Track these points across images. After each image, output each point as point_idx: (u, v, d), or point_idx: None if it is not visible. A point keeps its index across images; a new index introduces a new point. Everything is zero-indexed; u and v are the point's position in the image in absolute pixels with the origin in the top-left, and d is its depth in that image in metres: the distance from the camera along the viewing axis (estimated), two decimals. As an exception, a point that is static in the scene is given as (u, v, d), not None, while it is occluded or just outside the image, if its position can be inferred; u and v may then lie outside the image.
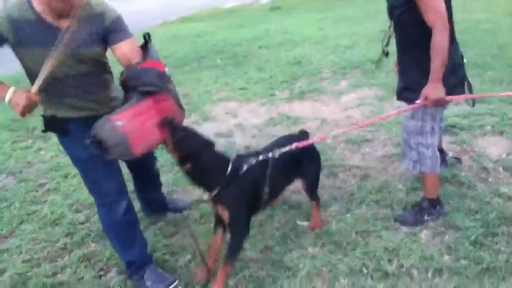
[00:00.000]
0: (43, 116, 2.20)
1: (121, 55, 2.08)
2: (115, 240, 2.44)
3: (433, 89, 2.22)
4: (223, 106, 5.18)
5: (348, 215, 2.83)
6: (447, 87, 2.26)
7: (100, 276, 2.60)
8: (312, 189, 2.70)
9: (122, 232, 2.41)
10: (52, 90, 2.06)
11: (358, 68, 5.94)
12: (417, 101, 2.32)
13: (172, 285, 2.36)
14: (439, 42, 2.19)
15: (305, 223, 2.80)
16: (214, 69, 6.91)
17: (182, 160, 2.15)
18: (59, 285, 2.53)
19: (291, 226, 2.78)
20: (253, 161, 2.27)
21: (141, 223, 2.98)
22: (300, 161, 2.57)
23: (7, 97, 1.92)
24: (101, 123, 1.91)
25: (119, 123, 1.90)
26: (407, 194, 2.95)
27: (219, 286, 2.27)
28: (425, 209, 2.67)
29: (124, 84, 2.10)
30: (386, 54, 2.72)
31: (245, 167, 2.24)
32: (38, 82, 1.93)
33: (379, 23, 8.68)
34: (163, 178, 3.55)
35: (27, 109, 1.91)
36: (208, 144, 2.22)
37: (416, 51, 2.41)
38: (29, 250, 2.88)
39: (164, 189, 3.17)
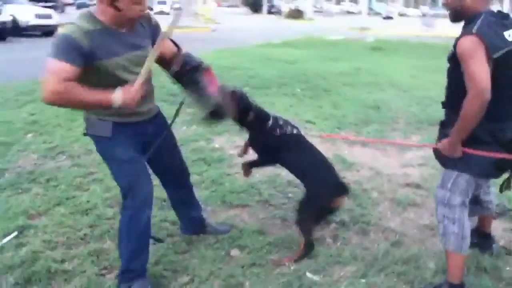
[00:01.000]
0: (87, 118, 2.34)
1: (167, 48, 2.41)
2: (127, 245, 2.44)
3: (449, 146, 2.20)
4: (284, 136, 5.11)
5: (362, 280, 2.61)
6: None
7: (102, 274, 2.65)
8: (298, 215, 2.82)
9: (137, 240, 2.43)
10: None
11: (436, 125, 5.54)
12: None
13: None
14: (466, 108, 2.08)
15: (316, 278, 2.63)
16: (291, 97, 6.90)
17: (240, 114, 2.77)
18: (62, 272, 2.61)
19: (298, 275, 2.63)
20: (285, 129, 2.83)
21: (159, 232, 3.03)
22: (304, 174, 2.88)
23: (118, 96, 2.09)
24: (207, 93, 2.49)
25: (214, 90, 2.52)
26: (435, 274, 2.64)
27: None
28: None
29: (179, 71, 2.48)
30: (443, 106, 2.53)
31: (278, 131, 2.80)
32: (142, 76, 2.15)
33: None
34: (196, 194, 3.59)
35: (137, 101, 2.15)
36: (251, 104, 2.83)
37: (454, 111, 2.20)
38: (52, 232, 3.02)
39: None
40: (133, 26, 2.24)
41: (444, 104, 2.42)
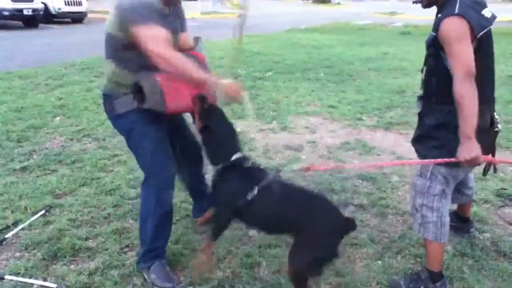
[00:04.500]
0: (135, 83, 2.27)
1: (181, 42, 2.41)
2: (150, 225, 2.43)
3: (465, 149, 1.96)
4: (306, 120, 5.12)
5: (379, 261, 2.62)
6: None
7: (124, 252, 2.74)
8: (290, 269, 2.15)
9: (160, 219, 2.44)
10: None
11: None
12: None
13: (177, 287, 2.40)
14: (459, 92, 1.94)
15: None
16: (314, 82, 6.86)
17: (200, 129, 2.32)
18: (86, 249, 2.71)
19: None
20: (255, 167, 2.27)
21: (179, 212, 3.11)
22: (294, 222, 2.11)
23: (218, 80, 2.13)
24: (144, 75, 2.17)
25: (158, 78, 2.17)
26: (452, 257, 2.63)
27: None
28: (423, 281, 2.35)
29: None
30: (419, 98, 2.41)
31: (244, 169, 2.23)
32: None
33: (511, 67, 7.90)
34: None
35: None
36: (227, 127, 2.33)
37: (433, 99, 2.17)
38: (78, 212, 3.13)
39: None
40: (175, 7, 2.33)
41: (422, 103, 2.29)
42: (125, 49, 2.18)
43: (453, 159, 2.03)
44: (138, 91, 2.20)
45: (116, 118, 2.37)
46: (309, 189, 2.51)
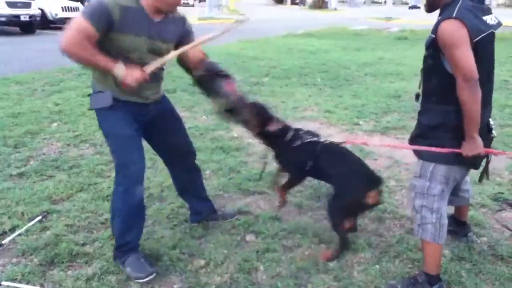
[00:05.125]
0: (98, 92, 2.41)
1: (192, 53, 2.53)
2: (120, 220, 2.52)
3: (468, 146, 2.08)
4: (303, 125, 5.08)
5: (376, 266, 2.62)
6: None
7: (120, 257, 2.73)
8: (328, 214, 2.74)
9: (129, 215, 2.50)
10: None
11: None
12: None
13: (150, 277, 2.45)
14: (462, 98, 2.02)
15: (332, 263, 2.65)
16: (311, 87, 6.89)
17: (256, 127, 2.81)
18: (83, 255, 2.70)
19: (312, 261, 2.65)
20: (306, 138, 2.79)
21: (177, 217, 3.11)
22: (334, 172, 2.75)
23: (120, 68, 2.23)
24: (226, 91, 2.58)
25: (234, 92, 2.60)
26: (450, 261, 2.64)
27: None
28: (420, 284, 2.35)
29: (204, 75, 2.61)
30: (417, 96, 2.43)
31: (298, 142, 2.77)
32: (155, 65, 2.32)
33: (507, 72, 7.95)
34: (215, 182, 3.65)
35: (137, 83, 2.27)
36: (272, 116, 2.85)
37: (431, 100, 2.19)
38: (75, 217, 3.12)
39: (212, 192, 3.24)
40: (166, 17, 2.38)
41: (421, 103, 2.32)
42: (98, 45, 2.26)
43: (458, 150, 2.12)
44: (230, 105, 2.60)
45: (97, 113, 2.48)
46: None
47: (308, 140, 2.79)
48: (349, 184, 2.65)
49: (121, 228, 2.53)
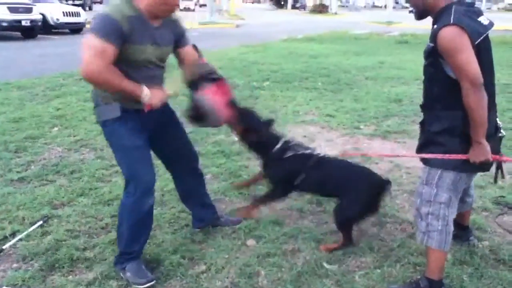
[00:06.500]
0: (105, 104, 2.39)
1: (187, 55, 2.56)
2: (128, 228, 2.49)
3: (475, 152, 2.07)
4: (304, 129, 5.13)
5: (378, 270, 2.61)
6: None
7: (121, 262, 2.72)
8: (337, 221, 2.75)
9: (137, 226, 2.50)
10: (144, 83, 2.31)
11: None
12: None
13: (150, 283, 2.44)
14: (468, 104, 2.01)
15: (332, 267, 2.64)
16: (312, 91, 6.89)
17: (242, 134, 2.73)
18: (84, 260, 2.69)
19: (314, 265, 2.64)
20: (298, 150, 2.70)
21: (178, 222, 3.10)
22: (339, 183, 2.75)
23: (145, 91, 2.27)
24: (197, 96, 2.45)
25: (207, 96, 2.44)
26: (452, 265, 2.62)
27: (242, 213, 3.03)
28: None
29: (195, 77, 2.53)
30: (422, 107, 2.43)
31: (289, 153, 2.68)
32: (175, 87, 2.47)
33: (508, 75, 7.95)
34: (215, 186, 3.65)
35: (161, 103, 2.38)
36: (262, 123, 2.76)
37: (437, 107, 2.19)
38: (75, 222, 3.11)
39: (212, 196, 3.23)
40: (162, 21, 2.37)
41: (424, 111, 2.34)
42: None
43: (465, 156, 2.11)
44: (195, 110, 2.46)
45: (102, 125, 2.45)
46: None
47: (301, 152, 2.70)
48: (359, 194, 2.68)
49: (129, 237, 2.51)
